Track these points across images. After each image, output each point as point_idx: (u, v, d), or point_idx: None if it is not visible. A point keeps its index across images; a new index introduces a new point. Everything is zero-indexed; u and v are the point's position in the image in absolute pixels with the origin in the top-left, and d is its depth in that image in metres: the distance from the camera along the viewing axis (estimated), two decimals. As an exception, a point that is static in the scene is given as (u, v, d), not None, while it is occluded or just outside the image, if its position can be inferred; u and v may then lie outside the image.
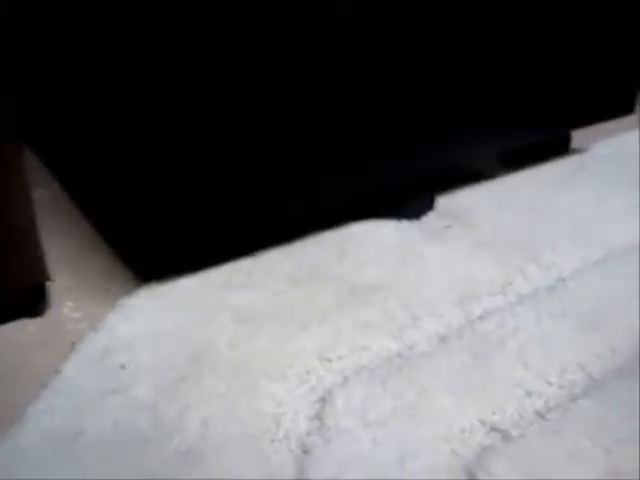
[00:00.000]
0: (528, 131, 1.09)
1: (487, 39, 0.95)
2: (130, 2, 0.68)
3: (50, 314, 0.78)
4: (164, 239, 0.82)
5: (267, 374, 0.65)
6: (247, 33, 0.74)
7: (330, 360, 0.68)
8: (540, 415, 0.61)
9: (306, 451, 0.56)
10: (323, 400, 0.63)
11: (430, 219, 0.97)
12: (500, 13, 0.94)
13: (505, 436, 0.58)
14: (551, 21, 1.01)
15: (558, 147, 1.18)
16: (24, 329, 0.75)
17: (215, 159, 0.80)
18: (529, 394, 0.63)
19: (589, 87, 1.12)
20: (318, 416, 0.61)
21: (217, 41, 0.73)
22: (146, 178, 0.78)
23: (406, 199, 0.99)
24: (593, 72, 1.11)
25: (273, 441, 0.57)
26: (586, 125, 1.15)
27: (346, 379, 0.65)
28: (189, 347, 0.69)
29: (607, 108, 1.16)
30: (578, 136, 1.21)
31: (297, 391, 0.64)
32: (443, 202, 1.00)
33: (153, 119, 0.74)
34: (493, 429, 0.59)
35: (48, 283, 0.78)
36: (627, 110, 1.15)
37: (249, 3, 0.73)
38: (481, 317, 0.74)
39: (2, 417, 0.62)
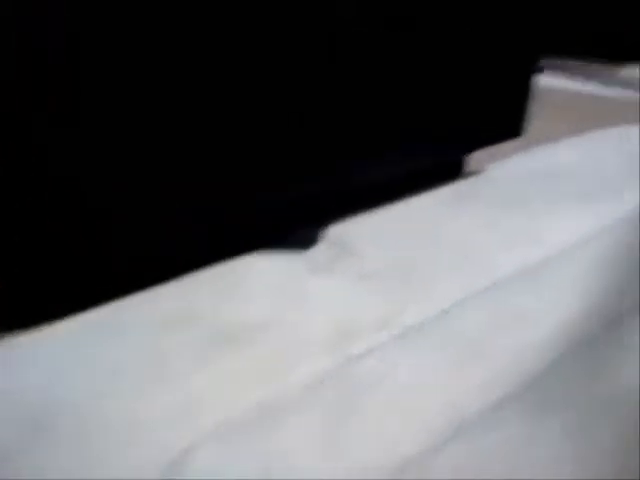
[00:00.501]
0: (418, 155, 1.08)
1: (375, 57, 0.93)
2: None
3: None
4: (23, 288, 0.75)
5: (117, 438, 0.59)
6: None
7: (187, 417, 0.62)
8: (400, 469, 0.57)
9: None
10: (174, 463, 0.56)
11: (318, 249, 0.93)
12: (387, 26, 0.93)
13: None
14: (441, 46, 1.01)
15: (451, 170, 1.18)
16: None
17: (76, 194, 0.73)
18: (395, 443, 0.59)
19: (479, 111, 1.13)
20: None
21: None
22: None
23: (292, 229, 0.95)
24: (483, 96, 1.12)
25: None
26: (477, 149, 1.15)
27: (201, 439, 0.59)
28: (28, 412, 0.61)
29: (497, 132, 1.16)
30: (472, 158, 1.21)
31: (146, 456, 0.57)
32: (331, 231, 0.97)
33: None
34: (357, 486, 0.54)
35: None
36: (516, 133, 1.16)
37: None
38: (358, 357, 0.70)
39: None
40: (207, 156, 0.81)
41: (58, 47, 0.67)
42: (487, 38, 1.08)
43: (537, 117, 1.24)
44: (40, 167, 0.71)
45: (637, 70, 2.03)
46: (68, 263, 0.75)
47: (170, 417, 0.61)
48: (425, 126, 1.05)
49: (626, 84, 1.97)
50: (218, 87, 0.80)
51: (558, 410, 0.62)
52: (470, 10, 1.03)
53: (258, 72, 0.82)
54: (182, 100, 0.78)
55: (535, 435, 0.59)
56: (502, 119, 1.16)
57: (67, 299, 0.77)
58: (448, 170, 1.17)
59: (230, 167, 0.84)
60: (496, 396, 0.64)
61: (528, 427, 0.60)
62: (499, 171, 1.21)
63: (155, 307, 0.79)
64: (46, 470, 0.56)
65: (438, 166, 1.14)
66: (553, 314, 0.78)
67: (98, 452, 0.57)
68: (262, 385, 0.65)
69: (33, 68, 0.67)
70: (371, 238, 0.95)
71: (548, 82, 1.81)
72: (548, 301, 0.81)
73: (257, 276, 0.86)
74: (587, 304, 0.79)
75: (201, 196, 0.83)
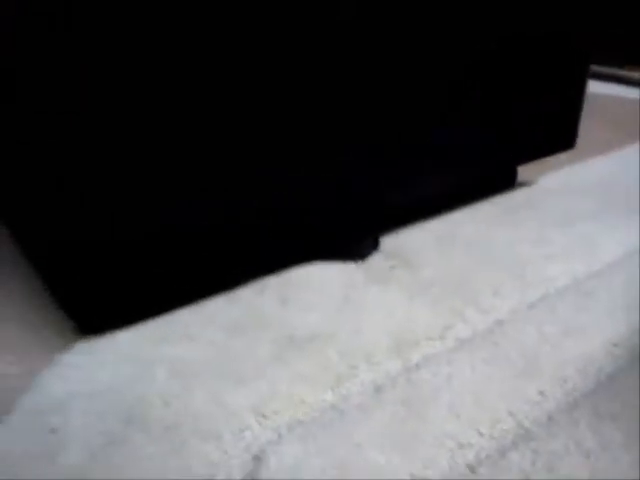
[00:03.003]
0: (472, 167, 1.11)
1: (429, 76, 0.97)
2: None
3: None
4: (102, 293, 0.81)
5: (199, 433, 0.65)
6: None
7: (265, 416, 0.67)
8: (471, 468, 0.62)
9: (235, 515, 0.56)
10: (257, 458, 0.62)
11: (375, 260, 0.98)
12: (441, 48, 0.96)
13: (434, 492, 0.59)
14: (497, 61, 1.04)
15: (503, 182, 1.21)
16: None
17: (152, 211, 0.80)
18: (461, 446, 0.64)
19: (533, 123, 1.15)
20: (252, 475, 0.60)
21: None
22: (84, 233, 0.78)
23: (351, 240, 1.00)
24: (535, 109, 1.14)
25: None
26: (529, 161, 1.17)
27: (280, 436, 0.65)
28: (122, 407, 0.68)
29: (551, 143, 1.19)
30: (524, 170, 1.23)
31: (230, 450, 0.63)
32: (387, 242, 1.02)
33: (88, 172, 0.74)
34: (422, 485, 0.59)
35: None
36: (568, 145, 1.19)
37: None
38: (417, 365, 0.75)
39: None
40: (276, 174, 0.86)
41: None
42: (541, 52, 1.10)
43: (586, 125, 1.26)
44: (119, 183, 0.77)
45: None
46: (152, 274, 0.82)
47: (248, 413, 0.67)
48: (480, 138, 1.08)
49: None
50: (283, 109, 0.85)
51: (617, 420, 0.65)
52: (524, 24, 1.05)
53: (321, 93, 0.87)
54: (246, 121, 0.83)
55: (595, 443, 0.63)
56: (555, 131, 1.18)
57: (150, 304, 0.84)
58: (501, 181, 1.20)
59: (297, 184, 0.89)
60: (552, 406, 0.68)
61: (587, 435, 0.64)
62: (550, 183, 1.24)
63: (226, 312, 0.85)
64: (140, 458, 0.62)
65: (492, 177, 1.17)
66: (603, 327, 0.81)
67: (186, 443, 0.64)
68: (332, 387, 0.71)
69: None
70: (426, 249, 0.99)
71: (596, 89, 1.81)
72: (599, 314, 0.84)
73: (319, 284, 0.91)
74: (637, 316, 0.82)
75: (269, 210, 0.88)
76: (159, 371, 0.74)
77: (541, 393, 0.70)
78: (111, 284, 0.81)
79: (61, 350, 0.79)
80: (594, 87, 1.93)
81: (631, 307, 0.85)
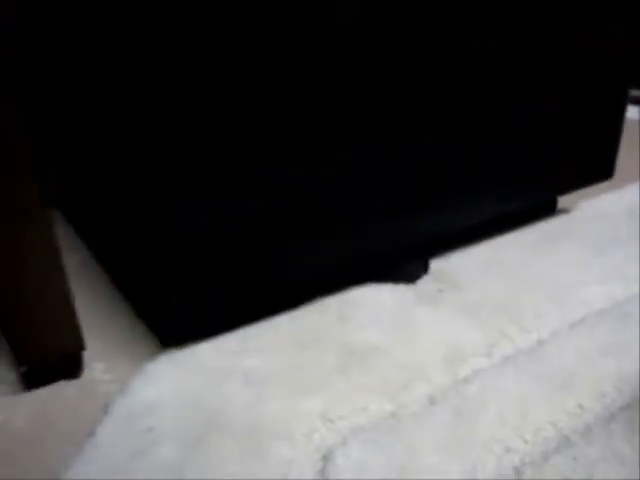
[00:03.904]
0: (516, 197, 1.19)
1: (479, 110, 1.05)
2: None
3: (85, 376, 0.88)
4: (184, 309, 0.92)
5: (274, 434, 0.74)
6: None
7: (332, 421, 0.77)
8: (517, 471, 0.69)
9: (310, 504, 0.65)
10: (325, 458, 0.71)
11: (424, 282, 1.06)
12: (488, 86, 1.04)
13: (484, 490, 0.67)
14: (540, 97, 1.12)
15: (545, 209, 1.28)
16: (61, 392, 0.85)
17: (236, 235, 0.89)
18: (508, 450, 0.72)
19: (572, 155, 1.22)
20: (322, 473, 0.69)
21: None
22: (168, 254, 0.89)
23: (402, 263, 1.09)
24: (575, 142, 1.21)
25: (281, 496, 0.66)
26: (571, 190, 1.25)
27: (345, 439, 0.74)
28: (206, 411, 0.78)
29: (591, 174, 1.26)
30: (563, 196, 1.31)
31: (302, 450, 0.72)
32: (436, 265, 1.10)
33: (176, 189, 0.83)
34: (473, 484, 0.67)
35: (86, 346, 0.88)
36: (607, 175, 1.25)
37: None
38: (466, 379, 0.83)
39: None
40: (338, 205, 0.96)
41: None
42: (579, 84, 1.17)
43: (624, 151, 1.33)
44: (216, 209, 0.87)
45: None
46: (225, 294, 0.92)
47: (316, 418, 0.76)
48: (524, 171, 1.16)
49: None
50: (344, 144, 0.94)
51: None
52: (563, 58, 1.13)
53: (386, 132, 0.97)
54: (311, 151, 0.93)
55: (630, 451, 0.70)
56: (595, 161, 1.25)
57: (223, 321, 0.94)
58: (543, 208, 1.27)
59: (355, 216, 0.98)
60: (590, 417, 0.75)
61: (623, 445, 0.71)
62: (590, 210, 1.31)
63: (292, 328, 0.94)
64: (222, 457, 0.72)
65: (534, 205, 1.25)
66: (638, 347, 0.88)
67: (262, 444, 0.73)
68: (390, 397, 0.79)
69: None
70: (472, 273, 1.07)
71: (634, 114, 1.87)
72: (633, 335, 0.91)
73: (373, 304, 1.00)
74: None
75: (336, 236, 0.97)
76: (236, 380, 0.83)
77: (580, 406, 0.78)
78: (192, 302, 0.91)
79: (146, 360, 0.89)
80: (632, 112, 1.99)
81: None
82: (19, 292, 0.78)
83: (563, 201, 1.32)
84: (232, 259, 0.91)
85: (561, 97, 1.16)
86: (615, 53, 1.22)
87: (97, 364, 0.90)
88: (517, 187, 1.16)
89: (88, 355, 0.90)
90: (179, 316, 0.93)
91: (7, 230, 0.75)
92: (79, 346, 0.84)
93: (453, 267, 1.09)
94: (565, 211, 1.30)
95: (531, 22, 1.04)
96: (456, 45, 0.97)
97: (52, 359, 0.83)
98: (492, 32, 1.00)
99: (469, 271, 1.08)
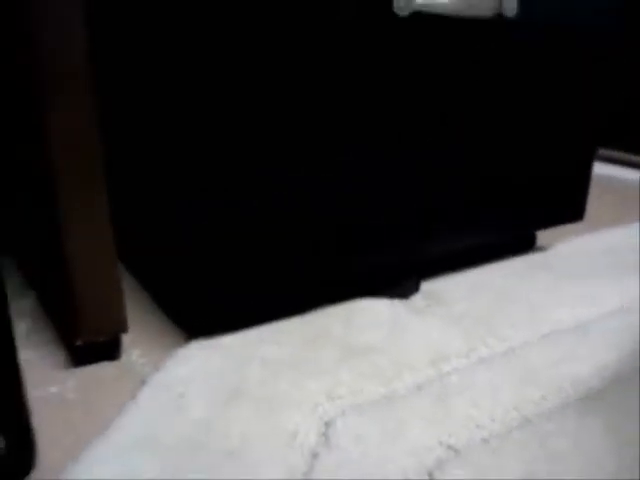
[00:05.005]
0: (498, 232, 1.36)
1: (466, 143, 1.23)
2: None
3: (123, 359, 1.03)
4: (211, 306, 1.08)
5: (287, 405, 0.90)
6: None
7: (333, 399, 0.92)
8: (484, 441, 0.84)
9: (314, 456, 0.80)
10: (327, 424, 0.86)
11: (416, 299, 1.23)
12: (467, 127, 1.23)
13: (457, 453, 0.81)
14: (518, 141, 1.30)
15: (524, 244, 1.46)
16: (106, 368, 1.00)
17: (264, 237, 1.03)
18: (478, 427, 0.87)
19: (548, 198, 1.40)
20: (324, 434, 0.84)
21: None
22: (195, 256, 1.05)
23: (398, 282, 1.25)
24: (551, 187, 1.39)
25: (291, 448, 0.81)
26: (546, 227, 1.42)
27: (344, 411, 0.89)
28: (229, 384, 0.94)
29: (563, 214, 1.43)
30: (543, 235, 1.48)
31: (309, 417, 0.88)
32: (426, 286, 1.27)
33: (209, 185, 0.96)
34: (449, 447, 0.82)
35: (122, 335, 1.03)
36: (578, 216, 1.43)
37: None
38: (448, 373, 0.98)
39: (88, 434, 0.86)
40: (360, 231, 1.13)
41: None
42: (553, 135, 1.35)
43: (594, 202, 1.51)
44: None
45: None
46: (247, 296, 1.08)
47: (320, 395, 0.92)
48: (505, 207, 1.33)
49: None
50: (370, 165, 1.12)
51: (599, 413, 0.87)
52: (540, 107, 1.30)
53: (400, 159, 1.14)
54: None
55: (577, 426, 0.85)
56: (567, 204, 1.42)
57: (244, 320, 1.10)
58: (523, 243, 1.45)
59: (361, 243, 1.15)
60: (550, 405, 0.91)
61: (574, 422, 0.86)
62: (567, 248, 1.48)
63: (302, 328, 1.10)
64: (243, 417, 0.87)
65: (516, 239, 1.42)
66: (596, 356, 1.03)
67: (275, 410, 0.88)
68: (383, 384, 0.95)
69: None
70: (458, 292, 1.24)
71: (601, 171, 2.07)
72: (593, 347, 1.06)
73: (372, 313, 1.16)
74: (623, 352, 1.04)
75: (342, 258, 1.14)
76: (255, 363, 0.99)
77: (543, 397, 0.93)
78: (218, 301, 1.07)
79: (177, 348, 1.05)
80: (605, 170, 2.19)
81: (620, 343, 1.08)
82: (71, 274, 0.92)
83: (542, 240, 1.49)
84: (253, 264, 1.07)
85: (535, 148, 1.34)
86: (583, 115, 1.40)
87: (133, 350, 1.06)
88: (498, 221, 1.33)
89: (126, 343, 1.05)
90: (207, 313, 1.09)
91: (65, 213, 0.89)
92: (123, 328, 0.99)
93: (441, 287, 1.26)
94: (543, 248, 1.47)
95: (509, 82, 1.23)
96: (434, 95, 1.15)
97: (101, 337, 0.98)
98: (469, 85, 1.19)
99: (455, 291, 1.25)
